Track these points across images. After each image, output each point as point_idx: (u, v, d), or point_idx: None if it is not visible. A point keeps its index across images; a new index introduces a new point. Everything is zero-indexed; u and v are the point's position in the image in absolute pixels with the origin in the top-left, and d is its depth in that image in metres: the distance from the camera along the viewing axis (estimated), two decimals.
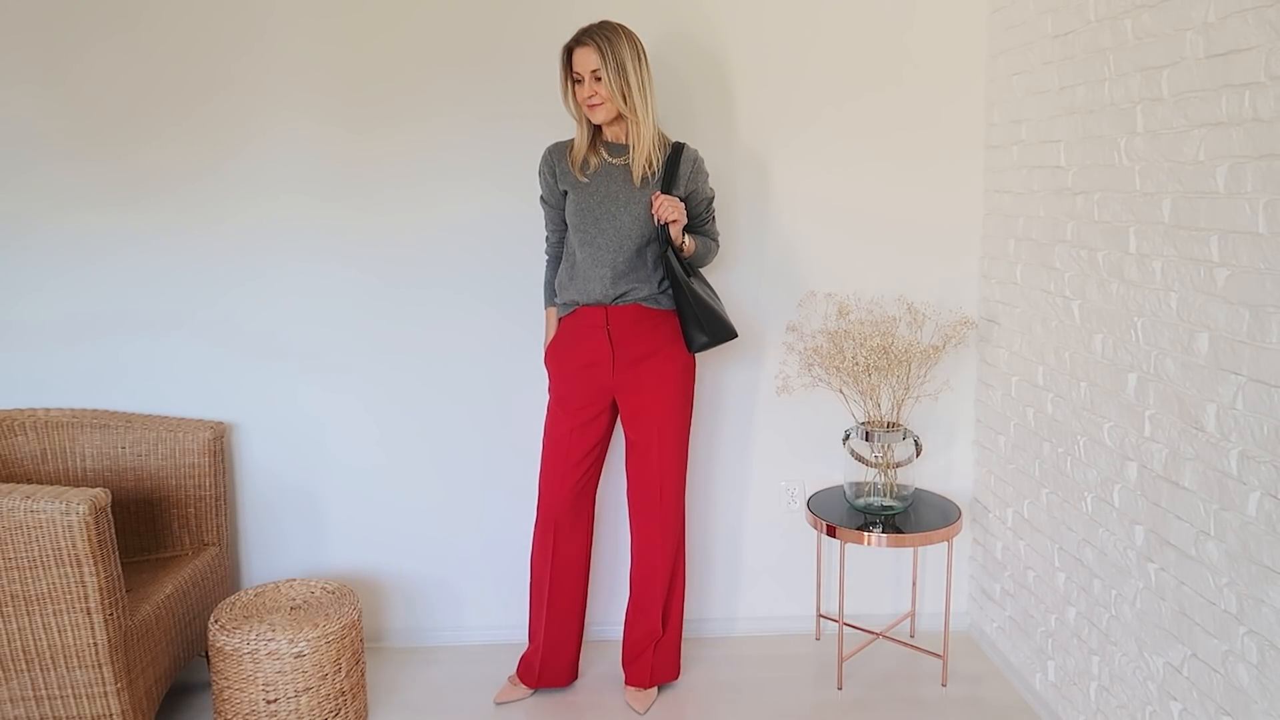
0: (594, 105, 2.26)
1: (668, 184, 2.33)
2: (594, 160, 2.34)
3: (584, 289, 2.34)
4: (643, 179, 2.32)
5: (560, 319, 2.44)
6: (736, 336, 2.37)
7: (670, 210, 2.27)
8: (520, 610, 2.83)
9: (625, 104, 2.25)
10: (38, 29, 2.50)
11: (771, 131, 2.68)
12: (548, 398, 2.46)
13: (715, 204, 2.50)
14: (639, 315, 2.35)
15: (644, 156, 2.30)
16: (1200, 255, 1.76)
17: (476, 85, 2.61)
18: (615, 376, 2.37)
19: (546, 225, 2.48)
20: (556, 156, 2.38)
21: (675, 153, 2.35)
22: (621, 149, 2.35)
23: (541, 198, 2.44)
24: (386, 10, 2.56)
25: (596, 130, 2.36)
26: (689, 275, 2.37)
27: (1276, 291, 1.58)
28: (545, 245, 2.51)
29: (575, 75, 2.27)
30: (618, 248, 2.31)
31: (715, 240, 2.52)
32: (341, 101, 2.59)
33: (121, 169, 2.57)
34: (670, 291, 2.37)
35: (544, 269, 2.53)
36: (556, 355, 2.43)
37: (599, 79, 2.24)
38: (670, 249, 2.33)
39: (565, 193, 2.36)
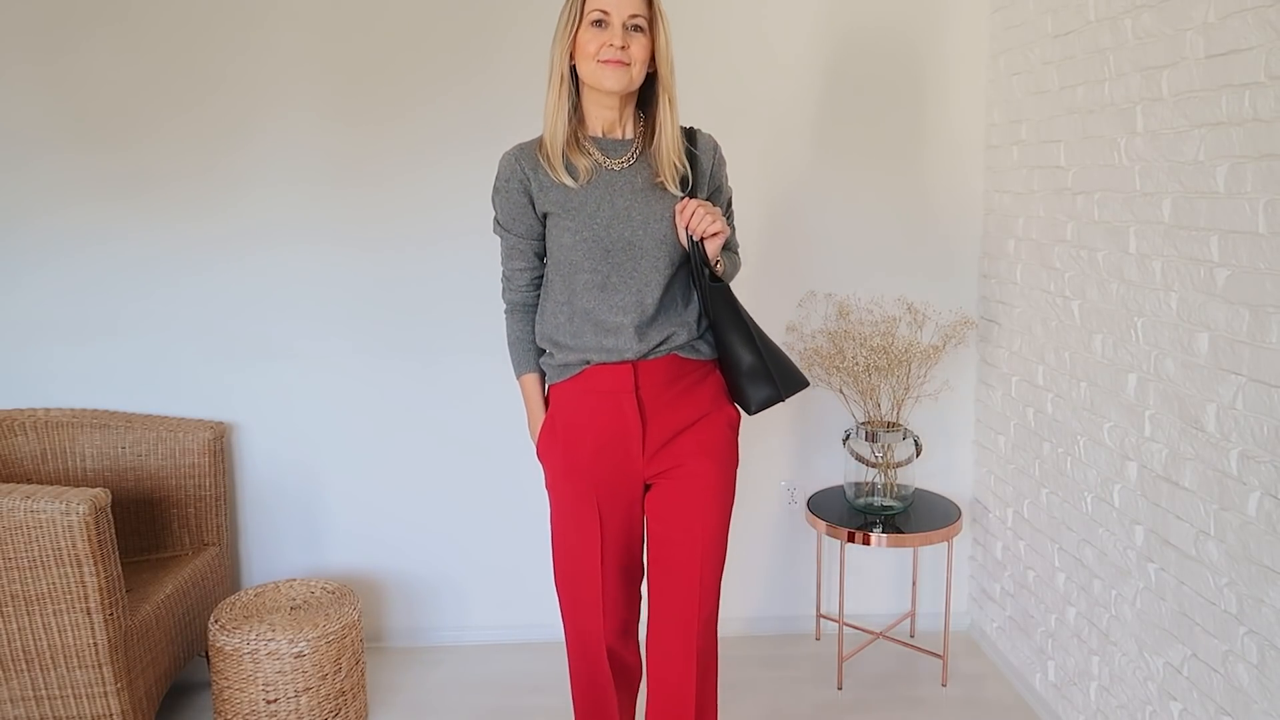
0: (615, 64, 1.63)
1: (690, 185, 1.76)
2: (583, 163, 1.69)
3: (598, 343, 1.71)
4: (654, 183, 1.73)
5: (554, 385, 1.80)
6: (808, 385, 1.82)
7: (711, 220, 1.68)
8: (520, 610, 2.83)
9: (660, 73, 1.69)
10: (38, 31, 2.50)
11: (770, 131, 2.68)
12: (551, 506, 1.85)
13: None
14: (676, 370, 1.75)
15: (673, 149, 1.71)
16: (1200, 255, 1.76)
17: (477, 83, 2.61)
18: (647, 459, 1.75)
19: (507, 261, 1.80)
20: (528, 164, 1.70)
21: (690, 138, 1.78)
22: (619, 146, 1.73)
23: (499, 224, 1.78)
24: (385, 6, 2.56)
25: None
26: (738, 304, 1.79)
27: (1276, 291, 1.58)
28: (504, 288, 1.84)
29: (598, 17, 1.64)
30: (643, 285, 1.70)
31: (737, 252, 1.96)
32: (341, 99, 2.59)
33: (121, 168, 2.57)
34: (709, 333, 1.80)
35: (505, 323, 1.86)
36: (559, 439, 1.78)
37: (638, 29, 1.65)
38: (709, 272, 1.75)
39: (545, 216, 1.72)
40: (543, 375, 1.84)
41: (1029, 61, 2.42)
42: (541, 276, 1.81)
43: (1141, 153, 1.94)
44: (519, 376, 1.84)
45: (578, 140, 1.71)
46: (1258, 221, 1.61)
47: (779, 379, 1.78)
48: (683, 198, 1.73)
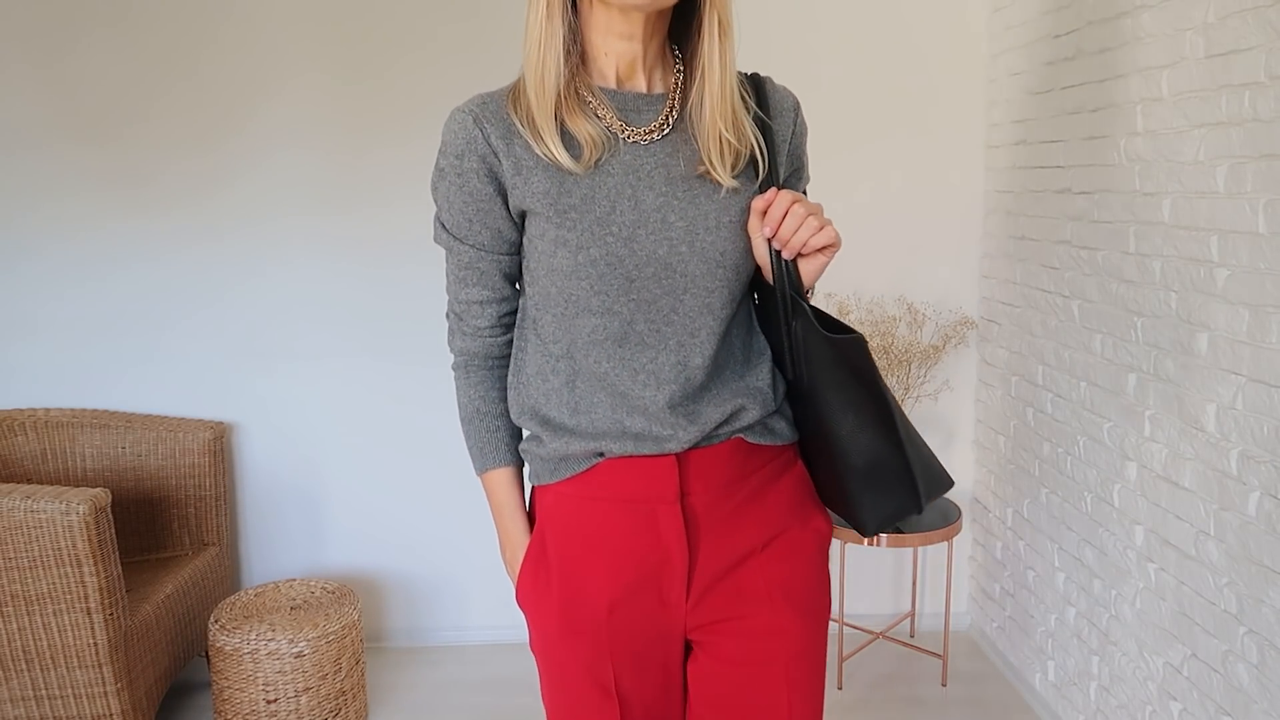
0: None
1: (765, 169, 1.10)
2: (586, 130, 1.03)
3: (618, 424, 1.09)
4: (714, 160, 1.06)
5: (541, 489, 1.17)
6: (953, 484, 1.15)
7: (817, 226, 1.04)
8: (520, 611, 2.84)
9: None
10: (38, 31, 2.50)
11: None
12: (542, 684, 1.21)
13: None
14: (742, 463, 1.13)
15: (730, 100, 1.06)
16: (1200, 255, 1.76)
17: (480, 88, 2.60)
18: (692, 604, 1.12)
19: (457, 288, 1.15)
20: (495, 128, 1.05)
21: (758, 93, 1.14)
22: (644, 104, 1.07)
23: (443, 227, 1.12)
24: (388, 14, 2.56)
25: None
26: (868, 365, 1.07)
27: (1276, 291, 1.58)
28: (451, 331, 1.19)
29: None
30: (687, 335, 1.08)
31: None
32: (343, 103, 2.59)
33: (122, 170, 2.57)
34: (786, 404, 1.17)
35: (454, 386, 1.21)
36: (553, 577, 1.14)
37: None
38: (806, 309, 1.08)
39: (524, 216, 1.08)
40: (520, 468, 1.20)
41: (1029, 61, 2.42)
42: (513, 313, 1.16)
43: (1141, 153, 1.94)
44: (482, 473, 1.20)
45: (577, 93, 1.05)
46: (1258, 221, 1.61)
47: (923, 481, 1.08)
48: (754, 189, 1.09)
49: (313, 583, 2.46)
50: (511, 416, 1.17)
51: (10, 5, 2.48)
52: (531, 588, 1.16)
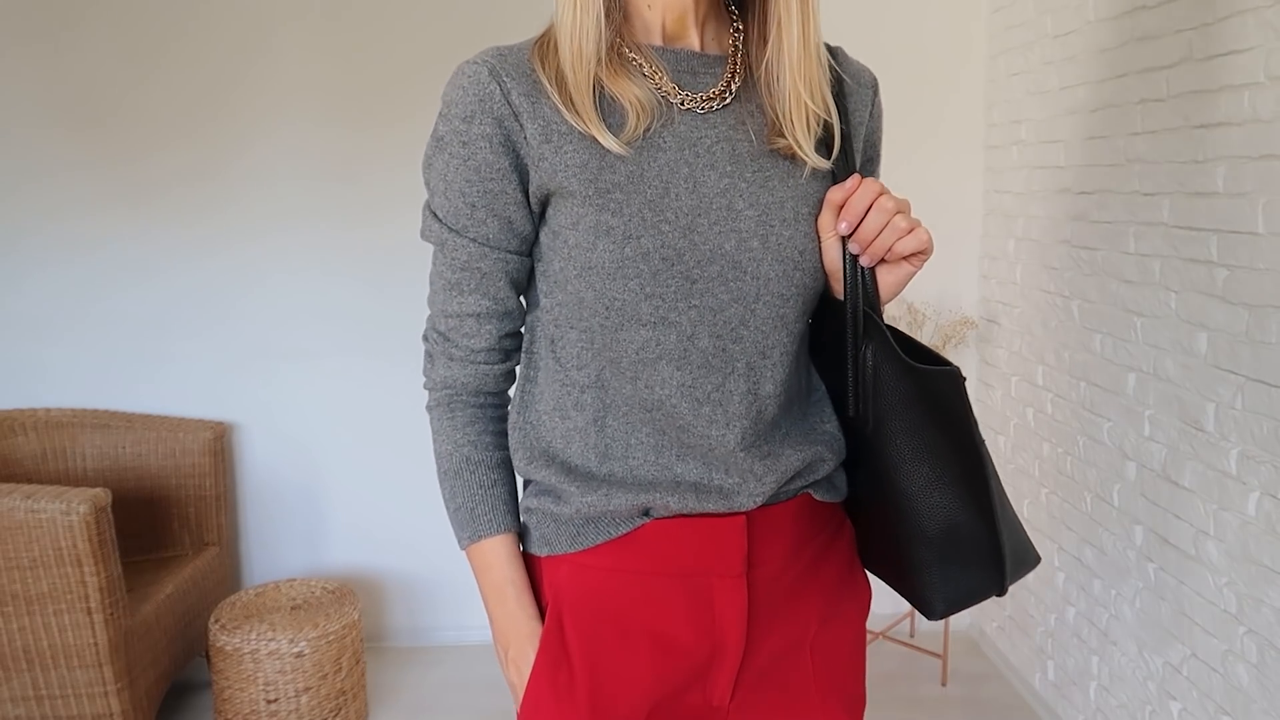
0: None
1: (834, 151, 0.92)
2: (632, 93, 0.84)
3: (669, 472, 0.88)
4: (774, 144, 0.88)
5: (553, 560, 0.92)
6: (1040, 561, 0.96)
7: (906, 228, 0.91)
8: None
9: None
10: (45, 42, 2.50)
11: None
12: None
13: None
14: (806, 526, 0.95)
15: (811, 63, 0.89)
16: (1199, 255, 1.77)
17: None
18: (736, 702, 0.92)
19: (447, 296, 0.94)
20: (518, 85, 0.85)
21: (832, 68, 0.95)
22: (700, 66, 0.89)
23: (435, 216, 0.93)
24: (391, 19, 2.57)
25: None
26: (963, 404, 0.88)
27: (1276, 291, 1.58)
28: (433, 355, 0.98)
29: None
30: (758, 353, 0.88)
31: None
32: (344, 105, 2.59)
33: (122, 171, 2.58)
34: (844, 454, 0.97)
35: (430, 429, 0.97)
36: (577, 681, 0.89)
37: None
38: (885, 331, 0.89)
39: (547, 200, 0.87)
40: (521, 537, 0.95)
41: (1029, 61, 2.42)
42: (513, 335, 0.95)
43: (1141, 153, 1.94)
44: (473, 542, 0.92)
45: (618, 51, 0.86)
46: (1257, 221, 1.61)
47: (1011, 556, 0.89)
48: (828, 171, 0.90)
49: (313, 582, 2.46)
50: (516, 466, 0.92)
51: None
52: (550, 696, 0.87)
